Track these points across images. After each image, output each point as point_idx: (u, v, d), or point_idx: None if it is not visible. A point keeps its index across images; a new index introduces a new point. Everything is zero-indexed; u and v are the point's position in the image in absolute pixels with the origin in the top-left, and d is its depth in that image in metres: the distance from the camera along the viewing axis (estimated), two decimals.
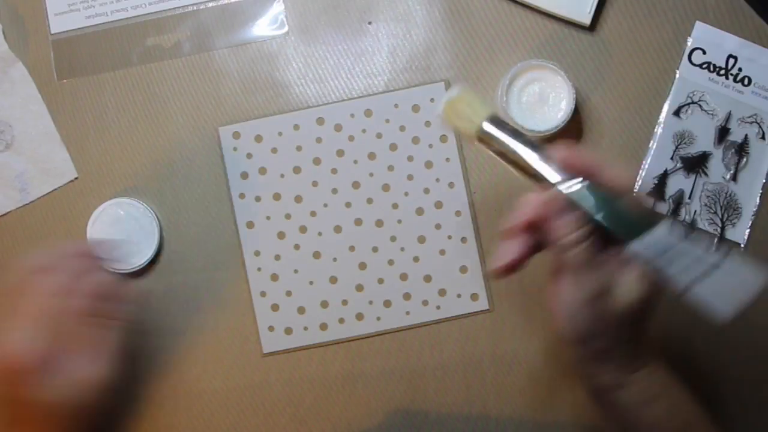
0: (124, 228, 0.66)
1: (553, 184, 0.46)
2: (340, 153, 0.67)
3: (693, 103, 0.67)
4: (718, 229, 0.66)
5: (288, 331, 0.67)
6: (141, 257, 0.65)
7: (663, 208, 0.66)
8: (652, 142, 0.67)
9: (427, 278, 0.67)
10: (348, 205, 0.67)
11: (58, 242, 0.65)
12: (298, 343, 0.67)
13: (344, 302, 0.66)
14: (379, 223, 0.67)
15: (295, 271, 0.67)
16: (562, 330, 0.48)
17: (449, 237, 0.67)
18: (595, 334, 0.47)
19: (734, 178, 0.66)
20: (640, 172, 0.67)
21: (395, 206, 0.67)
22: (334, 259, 0.67)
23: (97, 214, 0.65)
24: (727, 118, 0.67)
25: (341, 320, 0.66)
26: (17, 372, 0.48)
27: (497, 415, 0.66)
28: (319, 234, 0.67)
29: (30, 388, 0.48)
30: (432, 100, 0.67)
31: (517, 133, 0.48)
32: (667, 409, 0.53)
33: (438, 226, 0.67)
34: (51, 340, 0.49)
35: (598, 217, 0.45)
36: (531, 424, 0.63)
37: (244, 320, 0.67)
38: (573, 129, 0.67)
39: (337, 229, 0.67)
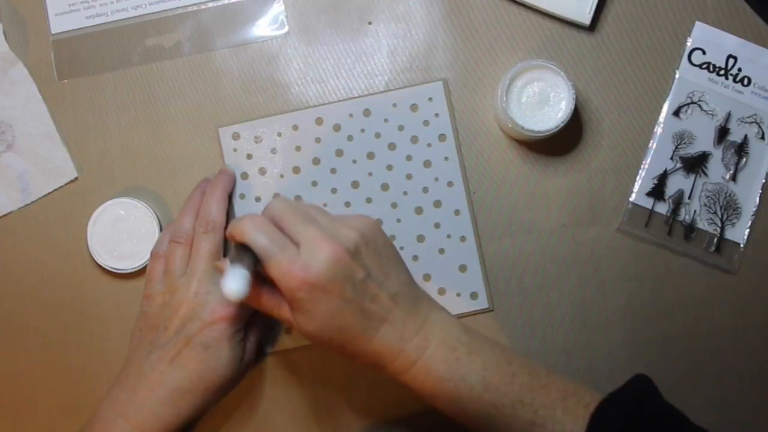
0: (124, 228, 0.66)
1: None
2: (339, 153, 0.67)
3: (693, 103, 0.67)
4: (718, 229, 0.66)
5: (288, 330, 0.67)
6: (141, 257, 0.66)
7: (663, 208, 0.66)
8: (651, 142, 0.67)
9: (427, 277, 0.67)
10: (347, 204, 0.67)
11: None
12: (298, 343, 0.67)
13: None
14: (378, 222, 0.67)
15: None
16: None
17: (448, 236, 0.67)
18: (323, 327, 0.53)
19: (734, 178, 0.66)
20: (640, 171, 0.67)
21: (394, 206, 0.67)
22: None
23: (98, 214, 0.66)
24: (727, 118, 0.67)
25: None
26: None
27: None
28: None
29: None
30: (430, 99, 0.67)
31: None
32: (480, 365, 0.54)
33: (437, 225, 0.67)
34: None
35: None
36: None
37: None
38: (573, 129, 0.67)
39: None
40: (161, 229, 0.66)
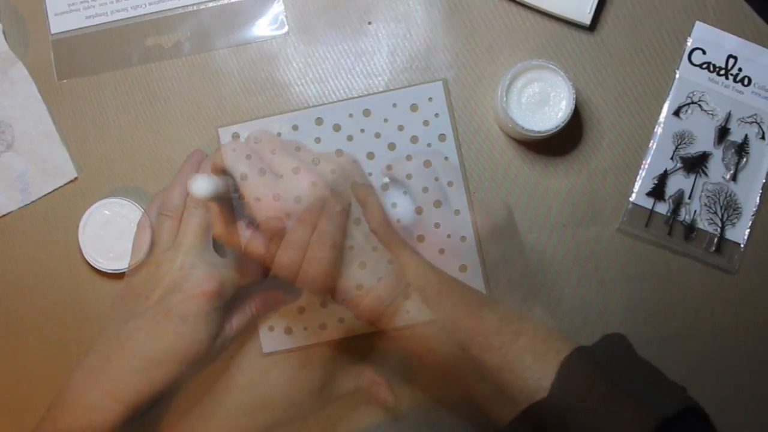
0: (115, 228, 0.66)
1: None
2: (339, 153, 0.67)
3: (693, 103, 0.67)
4: (718, 229, 0.66)
5: (288, 330, 0.67)
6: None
7: (663, 208, 0.66)
8: (652, 142, 0.67)
9: None
10: None
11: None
12: (298, 343, 0.67)
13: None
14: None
15: None
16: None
17: (448, 236, 0.67)
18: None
19: (734, 178, 0.66)
20: (641, 171, 0.67)
21: (394, 206, 0.67)
22: None
23: (85, 219, 0.65)
24: (727, 118, 0.66)
25: (341, 320, 0.66)
26: None
27: None
28: None
29: None
30: (430, 99, 0.67)
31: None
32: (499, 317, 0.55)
33: (437, 225, 0.66)
34: None
35: None
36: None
37: None
38: (573, 129, 0.67)
39: None
40: (152, 223, 0.66)
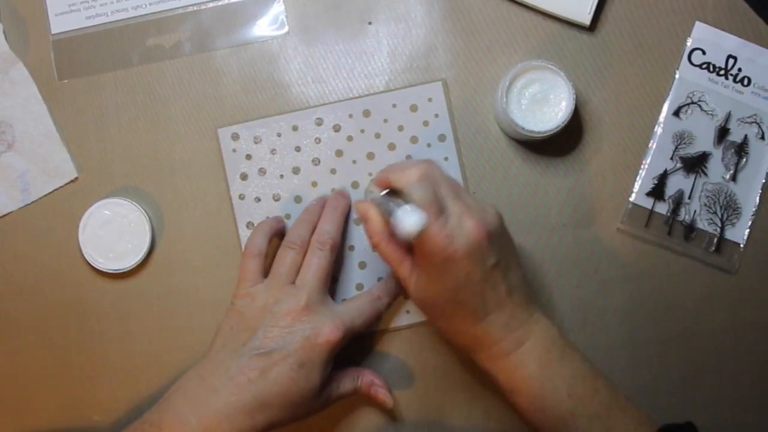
0: (114, 228, 0.66)
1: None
2: (339, 153, 0.67)
3: (693, 103, 0.67)
4: (718, 229, 0.66)
5: None
6: (137, 253, 0.66)
7: (663, 208, 0.66)
8: (651, 142, 0.67)
9: None
10: None
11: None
12: None
13: (344, 302, 0.66)
14: None
15: None
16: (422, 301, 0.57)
17: None
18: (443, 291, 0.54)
19: (734, 178, 0.66)
20: (640, 172, 0.67)
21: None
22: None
23: (85, 220, 0.65)
24: (727, 119, 0.66)
25: None
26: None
27: (498, 414, 0.66)
28: None
29: None
30: (430, 99, 0.67)
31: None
32: (569, 373, 0.56)
33: None
34: None
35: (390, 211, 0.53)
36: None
37: None
38: (573, 129, 0.67)
39: None
40: (151, 223, 0.66)
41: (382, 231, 0.56)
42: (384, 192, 0.56)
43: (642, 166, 0.67)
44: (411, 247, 0.56)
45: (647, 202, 0.67)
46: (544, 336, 0.56)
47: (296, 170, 0.67)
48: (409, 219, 0.49)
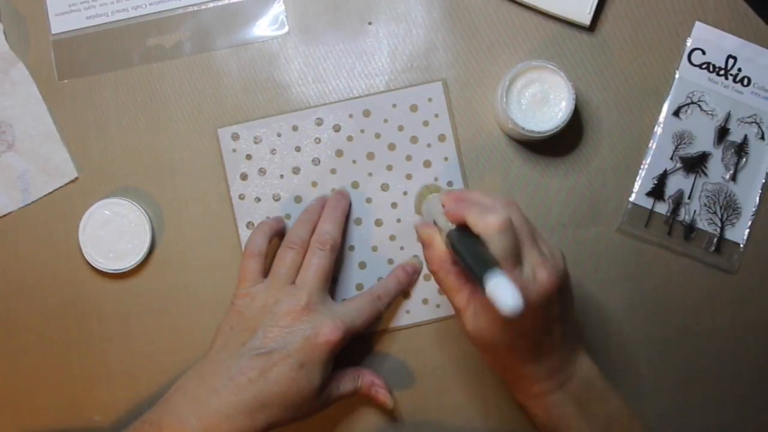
0: (114, 228, 0.66)
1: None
2: (339, 153, 0.67)
3: (692, 103, 0.67)
4: (718, 229, 0.66)
5: None
6: (137, 253, 0.66)
7: (663, 208, 0.66)
8: (651, 142, 0.67)
9: (427, 276, 0.67)
10: None
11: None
12: None
13: (344, 301, 0.66)
14: (379, 222, 0.67)
15: None
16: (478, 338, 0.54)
17: None
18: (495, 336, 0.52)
19: (734, 178, 0.66)
20: (640, 171, 0.67)
21: (394, 205, 0.67)
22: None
23: (85, 220, 0.65)
24: (727, 119, 0.67)
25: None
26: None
27: (498, 414, 0.66)
28: None
29: None
30: (430, 99, 0.67)
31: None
32: (606, 414, 0.56)
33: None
34: None
35: (460, 250, 0.51)
36: (532, 424, 0.63)
37: None
38: (573, 129, 0.67)
39: None
40: (151, 223, 0.66)
41: (445, 261, 0.54)
42: (454, 227, 0.53)
43: (642, 166, 0.67)
44: (468, 277, 0.53)
45: (647, 202, 0.67)
46: (585, 377, 0.56)
47: (296, 170, 0.67)
48: (506, 296, 0.44)
